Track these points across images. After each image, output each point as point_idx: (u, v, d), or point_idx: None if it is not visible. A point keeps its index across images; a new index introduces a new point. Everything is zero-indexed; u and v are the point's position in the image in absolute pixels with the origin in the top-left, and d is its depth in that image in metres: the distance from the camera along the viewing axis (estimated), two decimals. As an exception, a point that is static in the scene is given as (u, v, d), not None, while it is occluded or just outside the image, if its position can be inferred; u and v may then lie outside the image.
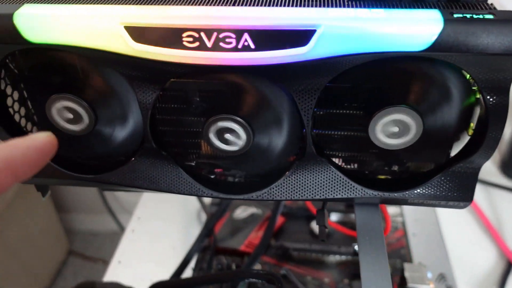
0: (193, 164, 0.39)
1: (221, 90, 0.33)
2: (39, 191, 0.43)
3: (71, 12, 0.30)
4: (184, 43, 0.29)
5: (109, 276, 0.63)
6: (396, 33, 0.28)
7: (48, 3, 0.32)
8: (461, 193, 0.35)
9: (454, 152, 0.36)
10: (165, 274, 0.61)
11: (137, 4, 0.31)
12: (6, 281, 1.28)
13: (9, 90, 0.36)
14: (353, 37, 0.28)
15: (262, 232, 0.65)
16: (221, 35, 0.29)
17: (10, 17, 0.30)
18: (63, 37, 0.30)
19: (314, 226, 0.66)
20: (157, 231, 0.70)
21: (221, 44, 0.29)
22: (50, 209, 1.47)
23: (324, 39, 0.28)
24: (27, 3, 0.31)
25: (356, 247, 0.61)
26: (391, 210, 0.70)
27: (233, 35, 0.29)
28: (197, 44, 0.29)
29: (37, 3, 0.32)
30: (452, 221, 0.70)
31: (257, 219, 0.67)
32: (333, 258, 0.62)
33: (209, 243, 0.64)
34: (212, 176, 0.39)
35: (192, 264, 0.61)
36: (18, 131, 0.37)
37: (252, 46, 0.29)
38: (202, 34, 0.29)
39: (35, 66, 0.34)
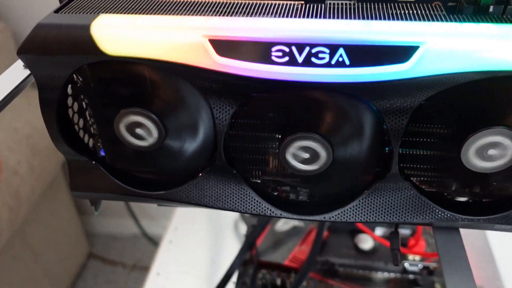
0: (259, 181, 0.37)
1: (300, 106, 0.32)
2: (92, 206, 0.41)
3: (152, 24, 0.28)
4: (273, 57, 0.27)
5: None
6: (508, 50, 0.25)
7: (123, 12, 0.30)
8: (552, 219, 0.33)
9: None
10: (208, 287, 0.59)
11: (219, 15, 0.29)
12: (28, 283, 1.28)
13: (70, 101, 0.35)
14: (460, 55, 0.26)
15: (305, 246, 0.63)
16: (313, 50, 0.27)
17: (87, 28, 0.28)
18: (142, 50, 0.28)
19: (359, 240, 0.64)
20: (194, 242, 0.68)
21: (313, 59, 0.27)
22: (71, 212, 1.46)
23: (428, 57, 0.26)
24: (103, 12, 0.30)
25: (406, 265, 0.59)
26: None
27: (327, 50, 0.27)
28: (286, 59, 0.27)
29: (111, 12, 0.30)
30: (501, 235, 0.67)
31: (300, 232, 0.65)
32: (381, 275, 0.60)
33: (251, 256, 0.62)
34: (276, 193, 0.37)
35: (233, 278, 0.60)
36: (77, 143, 0.36)
37: (347, 62, 0.27)
38: (294, 48, 0.27)
39: (103, 78, 0.33)
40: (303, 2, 0.31)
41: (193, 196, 0.35)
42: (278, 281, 0.58)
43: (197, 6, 0.31)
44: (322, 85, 0.28)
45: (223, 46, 0.27)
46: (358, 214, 0.34)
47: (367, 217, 0.34)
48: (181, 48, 0.28)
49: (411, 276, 0.59)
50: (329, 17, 0.29)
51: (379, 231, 0.65)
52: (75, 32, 0.28)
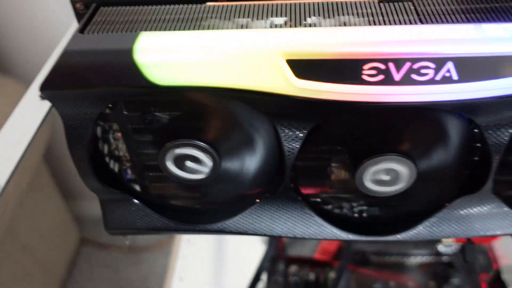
0: (319, 200, 0.33)
1: (381, 124, 0.27)
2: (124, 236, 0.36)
3: (210, 43, 0.22)
4: (364, 77, 0.22)
5: (174, 295, 0.57)
6: None
7: (162, 27, 0.24)
8: None
9: None
10: (236, 289, 0.56)
11: (285, 24, 0.24)
12: (21, 279, 1.23)
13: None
14: None
15: (334, 236, 0.60)
16: (415, 66, 0.22)
17: (128, 52, 0.22)
18: (202, 78, 0.22)
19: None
20: (213, 239, 0.64)
21: (414, 76, 0.22)
22: (58, 200, 1.39)
23: (555, 66, 0.22)
24: (137, 28, 0.24)
25: (440, 247, 0.57)
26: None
27: (432, 65, 0.22)
28: (381, 77, 0.22)
29: (148, 28, 0.24)
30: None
31: (325, 221, 0.62)
32: (414, 260, 0.58)
33: (278, 252, 0.58)
34: (339, 213, 0.34)
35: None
36: (111, 178, 0.30)
37: (455, 77, 0.22)
38: (391, 65, 0.22)
39: (140, 105, 0.27)
40: (380, -2, 0.26)
41: (249, 225, 0.31)
42: (312, 276, 0.55)
43: (246, 12, 0.25)
44: (421, 105, 0.23)
45: (303, 67, 0.22)
46: (435, 231, 0.31)
47: (444, 233, 0.31)
48: (251, 72, 0.22)
49: (445, 258, 0.57)
50: (424, 20, 0.24)
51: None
52: (113, 60, 0.22)
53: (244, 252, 0.63)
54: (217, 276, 0.60)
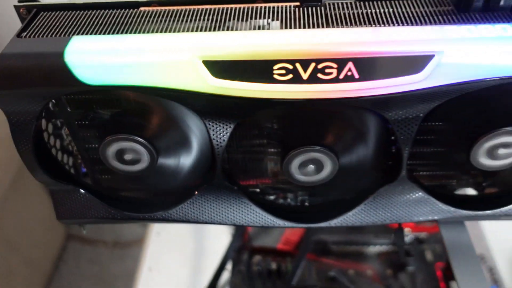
0: (258, 190, 0.35)
1: (302, 120, 0.29)
2: (80, 226, 0.39)
3: (135, 46, 0.25)
4: (275, 76, 0.25)
5: (142, 286, 0.60)
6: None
7: (96, 31, 0.26)
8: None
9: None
10: (202, 278, 0.58)
11: (208, 29, 0.26)
12: (7, 276, 1.24)
13: (43, 123, 0.31)
14: (478, 62, 0.24)
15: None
16: (320, 66, 0.24)
17: (60, 55, 0.24)
18: (128, 77, 0.25)
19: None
20: (183, 231, 0.67)
21: (319, 75, 0.25)
22: (43, 197, 1.40)
23: (443, 66, 0.24)
24: (73, 32, 0.26)
25: (396, 237, 0.60)
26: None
27: (334, 65, 0.24)
28: (290, 76, 0.25)
29: (83, 32, 0.26)
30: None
31: (289, 213, 0.64)
32: (373, 249, 0.60)
33: (244, 242, 0.61)
34: (277, 202, 0.36)
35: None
36: (59, 171, 0.33)
37: (356, 76, 0.25)
38: (298, 65, 0.24)
39: (82, 102, 0.29)
40: (298, 3, 0.28)
41: (191, 214, 0.33)
42: (274, 266, 0.58)
43: (175, 16, 0.27)
44: (329, 101, 0.26)
45: (218, 67, 0.25)
46: (364, 217, 0.33)
47: (372, 220, 0.33)
48: (171, 72, 0.25)
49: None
50: (331, 23, 0.26)
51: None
52: (46, 62, 0.24)
53: (211, 243, 0.66)
54: (184, 266, 0.63)
